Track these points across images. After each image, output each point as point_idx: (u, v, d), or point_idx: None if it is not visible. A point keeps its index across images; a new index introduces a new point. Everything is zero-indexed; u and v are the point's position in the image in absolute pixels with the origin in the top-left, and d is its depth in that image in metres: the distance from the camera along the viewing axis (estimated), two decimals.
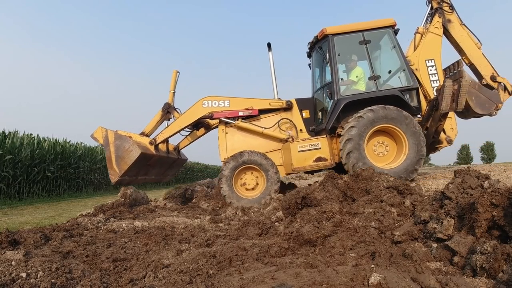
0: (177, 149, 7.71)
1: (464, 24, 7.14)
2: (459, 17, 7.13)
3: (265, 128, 6.70)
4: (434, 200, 2.79)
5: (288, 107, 6.88)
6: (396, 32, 6.78)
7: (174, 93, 7.09)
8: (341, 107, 6.18)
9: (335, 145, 6.55)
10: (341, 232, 2.63)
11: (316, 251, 2.46)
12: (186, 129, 7.11)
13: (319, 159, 6.31)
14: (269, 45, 7.05)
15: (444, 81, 5.78)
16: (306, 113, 6.99)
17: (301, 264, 2.08)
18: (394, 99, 6.27)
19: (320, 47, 6.92)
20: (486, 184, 2.30)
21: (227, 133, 6.83)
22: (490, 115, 6.75)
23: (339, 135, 6.35)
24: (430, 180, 6.52)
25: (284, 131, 6.81)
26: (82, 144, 16.43)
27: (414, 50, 7.10)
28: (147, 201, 6.76)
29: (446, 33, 7.16)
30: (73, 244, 3.19)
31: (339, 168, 6.43)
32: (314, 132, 6.88)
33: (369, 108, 6.02)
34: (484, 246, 1.81)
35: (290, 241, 2.65)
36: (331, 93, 6.48)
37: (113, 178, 6.13)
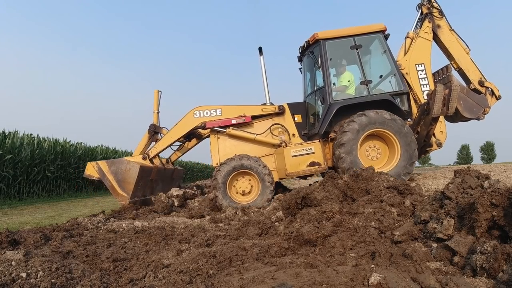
0: (169, 161, 7.78)
1: (453, 30, 7.22)
2: (449, 23, 7.21)
3: (257, 134, 6.64)
4: (434, 200, 2.79)
5: (280, 112, 6.84)
6: (386, 37, 6.79)
7: (158, 113, 7.13)
8: (334, 111, 6.18)
9: (328, 149, 6.54)
10: (341, 232, 2.63)
11: (316, 251, 2.46)
12: (176, 143, 7.11)
13: (312, 164, 6.27)
14: (260, 49, 6.99)
15: (436, 86, 5.82)
16: (298, 118, 6.96)
17: (301, 264, 2.08)
18: (385, 103, 6.29)
19: (312, 51, 6.91)
20: (486, 184, 2.30)
21: (219, 137, 6.77)
22: (478, 119, 6.86)
23: (332, 139, 6.36)
24: (430, 180, 6.53)
25: (277, 136, 6.75)
26: (82, 144, 16.44)
27: (405, 54, 7.15)
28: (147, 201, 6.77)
29: (436, 38, 7.22)
30: (73, 244, 3.19)
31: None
32: (307, 136, 6.85)
33: (361, 112, 6.03)
34: (484, 246, 1.81)
35: (290, 241, 2.65)
36: (323, 97, 6.48)
37: (125, 201, 6.00)
